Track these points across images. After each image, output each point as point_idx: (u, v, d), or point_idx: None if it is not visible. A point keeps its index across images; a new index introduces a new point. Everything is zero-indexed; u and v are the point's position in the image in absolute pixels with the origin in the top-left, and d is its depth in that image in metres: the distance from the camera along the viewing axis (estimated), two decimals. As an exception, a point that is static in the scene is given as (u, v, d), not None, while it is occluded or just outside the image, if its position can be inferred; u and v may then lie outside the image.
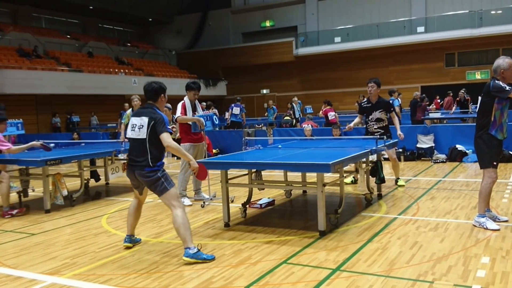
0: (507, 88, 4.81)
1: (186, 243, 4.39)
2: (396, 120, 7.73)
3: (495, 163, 4.99)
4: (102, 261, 4.58)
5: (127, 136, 4.77)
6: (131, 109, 10.22)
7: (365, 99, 7.80)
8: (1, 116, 9.20)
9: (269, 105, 21.39)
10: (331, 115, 14.76)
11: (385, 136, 7.02)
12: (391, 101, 13.18)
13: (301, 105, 20.77)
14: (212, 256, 4.45)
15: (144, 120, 4.53)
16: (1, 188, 6.80)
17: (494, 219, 5.19)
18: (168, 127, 4.59)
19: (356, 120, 7.87)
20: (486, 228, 4.98)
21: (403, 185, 7.78)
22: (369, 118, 7.57)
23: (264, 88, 32.86)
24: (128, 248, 4.95)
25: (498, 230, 4.92)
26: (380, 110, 7.48)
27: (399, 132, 7.60)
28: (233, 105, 18.20)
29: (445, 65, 28.07)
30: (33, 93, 22.58)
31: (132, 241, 5.00)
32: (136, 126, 4.57)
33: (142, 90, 4.78)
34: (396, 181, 7.90)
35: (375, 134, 7.35)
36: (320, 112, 16.47)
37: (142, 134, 4.52)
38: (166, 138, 4.49)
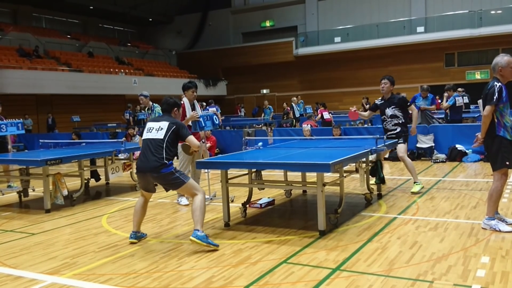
0: (493, 101, 4.78)
1: (197, 225, 4.70)
2: (414, 113, 7.60)
3: (507, 162, 4.89)
4: (102, 261, 4.58)
5: (142, 137, 5.02)
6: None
7: (380, 98, 7.53)
8: None
9: (265, 105, 21.67)
10: (326, 114, 15.01)
11: (402, 135, 7.18)
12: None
13: (303, 104, 20.75)
14: (216, 244, 4.72)
15: (164, 123, 4.91)
16: None
17: (502, 221, 5.08)
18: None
19: (366, 113, 7.92)
20: (500, 231, 4.88)
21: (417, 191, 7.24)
22: (384, 116, 7.39)
23: (264, 88, 32.86)
24: (133, 243, 5.10)
25: (511, 232, 4.86)
26: (393, 107, 7.29)
27: (413, 127, 7.50)
28: (208, 107, 18.22)
29: (445, 65, 28.06)
30: (33, 93, 22.59)
31: (137, 237, 5.17)
32: (154, 129, 4.91)
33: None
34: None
35: (391, 131, 7.27)
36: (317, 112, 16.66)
37: (160, 135, 4.85)
38: (193, 141, 4.99)
